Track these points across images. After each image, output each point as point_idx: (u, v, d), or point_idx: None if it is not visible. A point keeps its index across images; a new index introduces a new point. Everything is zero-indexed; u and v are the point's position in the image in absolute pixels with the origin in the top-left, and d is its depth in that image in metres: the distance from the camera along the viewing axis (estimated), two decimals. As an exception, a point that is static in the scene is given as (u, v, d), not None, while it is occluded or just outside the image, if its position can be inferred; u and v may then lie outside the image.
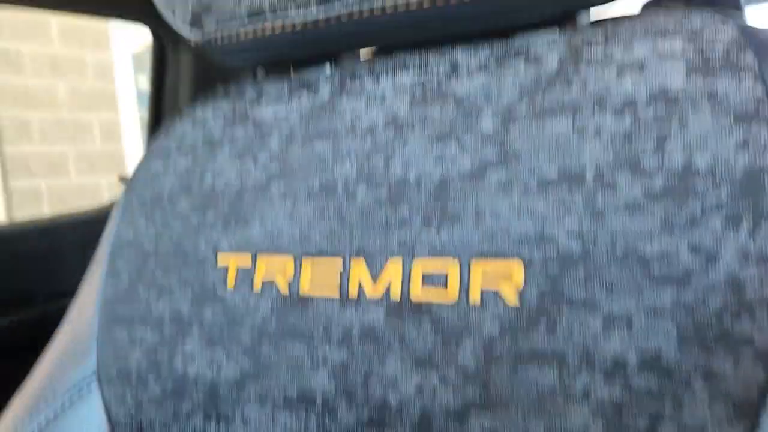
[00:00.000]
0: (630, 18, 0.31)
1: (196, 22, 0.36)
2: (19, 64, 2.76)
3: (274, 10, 0.34)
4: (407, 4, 0.31)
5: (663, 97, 0.27)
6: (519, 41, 0.33)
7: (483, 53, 0.33)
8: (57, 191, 2.94)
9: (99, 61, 3.01)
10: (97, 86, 3.03)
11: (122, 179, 2.33)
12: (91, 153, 3.05)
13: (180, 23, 0.37)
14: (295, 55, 0.38)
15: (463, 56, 0.34)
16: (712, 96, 0.27)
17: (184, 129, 0.41)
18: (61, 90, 2.91)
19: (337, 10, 0.33)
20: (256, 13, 0.34)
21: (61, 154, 2.94)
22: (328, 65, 0.39)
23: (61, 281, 1.34)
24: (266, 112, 0.38)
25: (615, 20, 0.32)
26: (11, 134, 2.77)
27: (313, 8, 0.33)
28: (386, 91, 0.35)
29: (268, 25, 0.35)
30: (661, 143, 0.27)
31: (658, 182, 0.26)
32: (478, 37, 0.34)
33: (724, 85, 0.27)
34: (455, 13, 0.32)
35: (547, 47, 0.31)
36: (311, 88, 0.38)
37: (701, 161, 0.26)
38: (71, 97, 2.94)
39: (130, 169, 3.17)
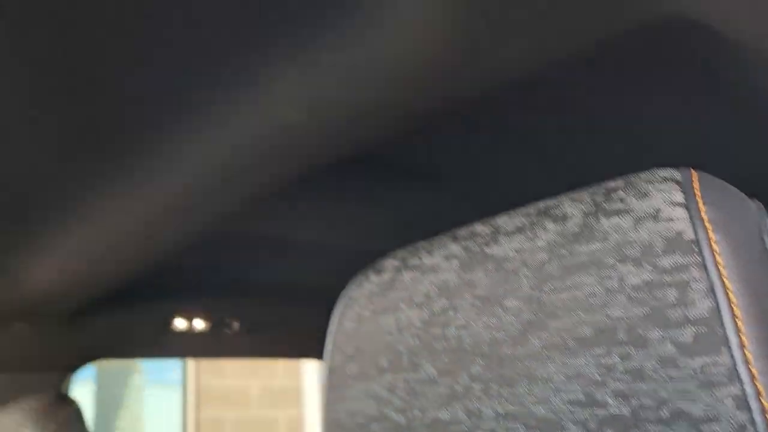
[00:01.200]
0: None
1: None
2: (222, 370, 3.20)
3: None
4: None
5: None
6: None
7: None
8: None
9: (290, 360, 3.34)
10: (286, 383, 3.34)
11: None
12: (273, 449, 3.28)
13: None
14: None
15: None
16: None
17: None
18: (254, 389, 3.26)
19: None
20: None
21: (247, 450, 3.22)
22: None
23: None
24: None
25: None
26: (207, 432, 3.14)
27: None
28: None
29: None
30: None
31: None
32: None
33: None
34: None
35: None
36: None
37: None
38: (262, 395, 3.28)
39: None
